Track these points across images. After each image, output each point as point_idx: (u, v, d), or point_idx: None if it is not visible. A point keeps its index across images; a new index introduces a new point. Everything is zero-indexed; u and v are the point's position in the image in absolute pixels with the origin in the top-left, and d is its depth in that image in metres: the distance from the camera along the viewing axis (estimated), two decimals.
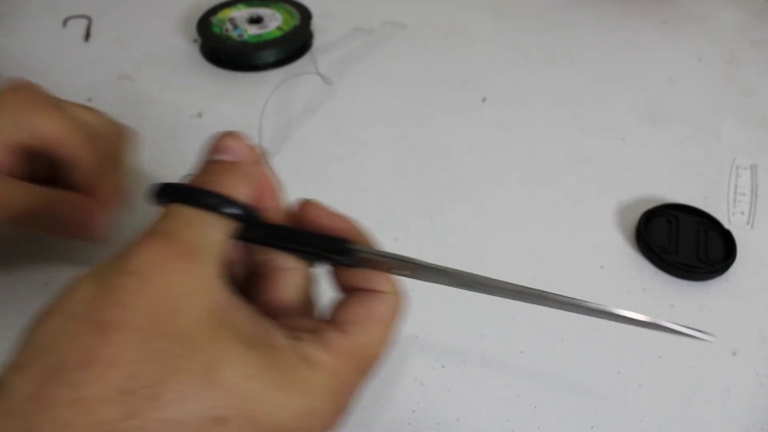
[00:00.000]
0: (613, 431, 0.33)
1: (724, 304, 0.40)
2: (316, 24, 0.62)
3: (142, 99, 0.56)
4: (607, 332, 0.38)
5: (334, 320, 0.23)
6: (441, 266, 0.23)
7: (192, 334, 0.18)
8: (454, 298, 0.39)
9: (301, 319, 0.23)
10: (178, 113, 0.54)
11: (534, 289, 0.22)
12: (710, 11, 0.69)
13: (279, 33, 0.59)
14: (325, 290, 0.26)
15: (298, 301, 0.25)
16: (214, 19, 0.61)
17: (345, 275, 0.24)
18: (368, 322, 0.22)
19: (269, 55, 0.59)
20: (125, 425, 0.16)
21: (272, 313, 0.23)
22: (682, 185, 0.48)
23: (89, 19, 0.66)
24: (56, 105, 0.35)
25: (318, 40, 0.63)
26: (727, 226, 0.43)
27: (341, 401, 0.21)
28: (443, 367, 0.36)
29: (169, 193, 0.22)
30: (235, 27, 0.60)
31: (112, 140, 0.39)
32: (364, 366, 0.22)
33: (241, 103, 0.55)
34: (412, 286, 0.25)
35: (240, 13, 0.62)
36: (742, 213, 0.46)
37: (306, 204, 0.25)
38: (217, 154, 0.24)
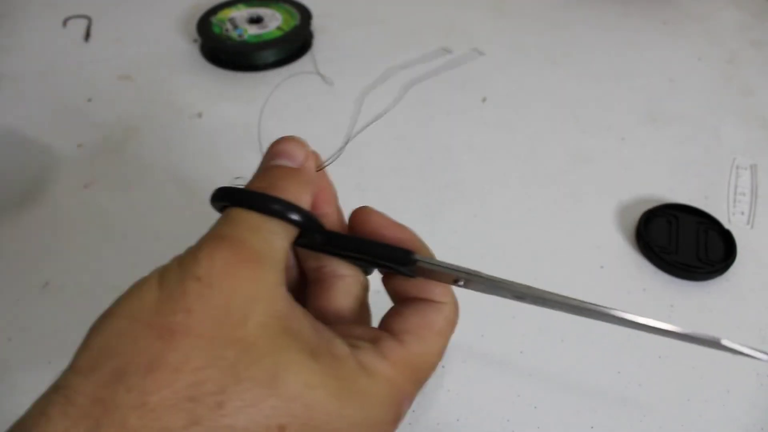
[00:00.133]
0: (613, 431, 0.33)
1: (724, 304, 0.40)
2: (316, 24, 0.62)
3: (142, 99, 0.56)
4: (607, 332, 0.37)
5: (391, 330, 0.23)
6: (505, 280, 0.23)
7: (257, 341, 0.18)
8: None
9: (356, 328, 0.23)
10: (178, 113, 0.54)
11: (592, 304, 0.22)
12: (710, 11, 0.69)
13: (279, 33, 0.59)
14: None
15: (352, 309, 0.24)
16: (214, 19, 0.61)
17: (401, 285, 0.24)
18: (425, 332, 0.22)
19: (269, 55, 0.59)
20: None
21: (327, 320, 0.23)
22: (682, 185, 0.48)
23: (89, 19, 0.66)
24: None
25: (318, 40, 0.63)
26: (727, 226, 0.43)
27: (398, 411, 0.21)
28: (443, 367, 0.36)
29: (231, 197, 0.21)
30: (235, 27, 0.60)
31: None
32: (420, 376, 0.22)
33: (241, 103, 0.55)
34: None
35: (240, 13, 0.62)
36: (742, 213, 0.46)
37: (364, 211, 0.24)
38: (279, 158, 0.23)
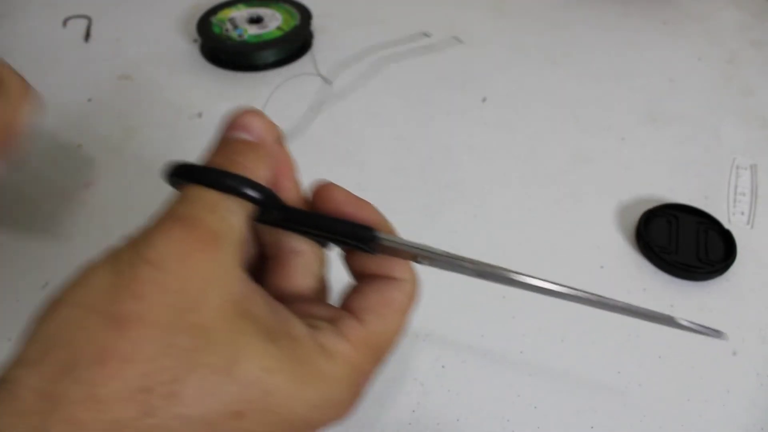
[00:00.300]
0: (613, 431, 0.33)
1: (724, 304, 0.40)
2: (316, 24, 0.62)
3: (142, 99, 0.56)
4: (607, 332, 0.38)
5: (350, 308, 0.22)
6: (465, 257, 0.22)
7: (213, 327, 0.18)
8: (455, 298, 0.39)
9: (315, 306, 0.23)
10: (178, 113, 0.54)
11: (555, 284, 0.22)
12: (710, 11, 0.69)
13: (279, 33, 0.59)
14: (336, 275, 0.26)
15: (311, 286, 0.24)
16: (214, 19, 0.61)
17: (361, 261, 0.23)
18: (385, 310, 0.22)
19: (269, 55, 0.59)
20: (143, 423, 0.16)
21: (285, 298, 0.22)
22: (682, 185, 0.48)
23: (89, 19, 0.66)
24: None
25: (318, 40, 0.63)
26: (727, 226, 0.43)
27: (357, 390, 0.21)
28: (443, 367, 0.36)
29: (186, 174, 0.20)
30: (235, 27, 0.60)
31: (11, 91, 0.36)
32: (380, 354, 0.22)
33: (241, 103, 0.55)
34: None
35: (240, 13, 0.62)
36: (742, 213, 0.46)
37: (326, 187, 0.23)
38: (237, 131, 0.22)
